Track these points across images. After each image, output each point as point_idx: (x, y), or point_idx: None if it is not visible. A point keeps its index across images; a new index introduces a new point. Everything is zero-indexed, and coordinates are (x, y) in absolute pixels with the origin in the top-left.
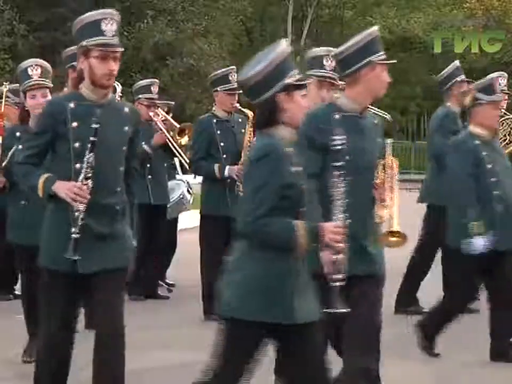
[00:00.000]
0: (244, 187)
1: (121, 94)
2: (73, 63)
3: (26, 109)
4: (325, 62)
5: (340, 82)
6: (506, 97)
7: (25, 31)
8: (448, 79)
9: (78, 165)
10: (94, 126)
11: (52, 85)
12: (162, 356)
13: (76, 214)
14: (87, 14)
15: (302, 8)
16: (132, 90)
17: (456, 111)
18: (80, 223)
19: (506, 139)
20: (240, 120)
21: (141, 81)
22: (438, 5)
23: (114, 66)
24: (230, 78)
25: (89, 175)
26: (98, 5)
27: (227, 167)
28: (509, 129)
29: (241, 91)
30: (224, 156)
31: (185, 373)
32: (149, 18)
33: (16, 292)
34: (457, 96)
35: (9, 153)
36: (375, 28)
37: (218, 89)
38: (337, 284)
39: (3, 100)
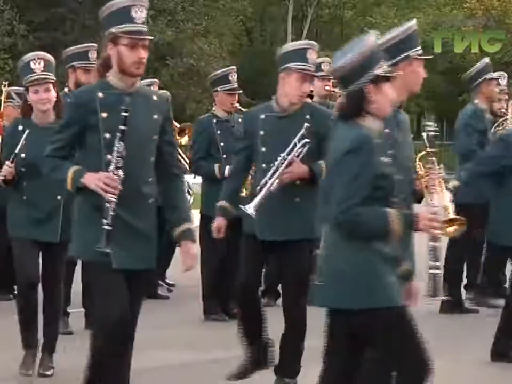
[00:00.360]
0: (333, 178)
1: None
2: (73, 63)
3: (28, 103)
4: (308, 55)
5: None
6: (506, 97)
7: (25, 31)
8: (477, 76)
9: (108, 156)
10: (123, 114)
11: (55, 79)
12: (162, 355)
13: (107, 205)
14: (116, 0)
15: (302, 8)
16: None
17: (484, 108)
18: (111, 214)
19: None
20: (240, 120)
21: (141, 81)
22: (438, 5)
23: (144, 54)
24: (230, 78)
25: (120, 165)
26: (98, 4)
27: (227, 167)
28: None
29: (241, 91)
30: (224, 155)
31: (185, 373)
32: (149, 18)
33: (16, 292)
34: (485, 93)
35: (17, 148)
36: (414, 21)
37: (218, 89)
38: (436, 271)
39: (2, 100)
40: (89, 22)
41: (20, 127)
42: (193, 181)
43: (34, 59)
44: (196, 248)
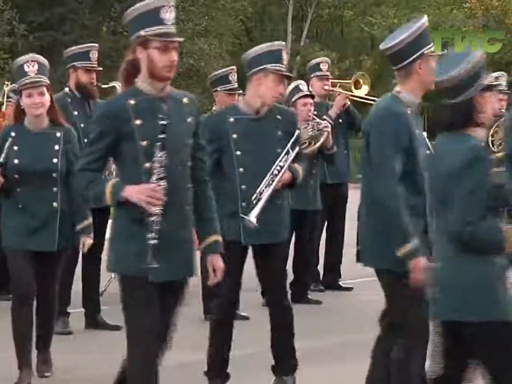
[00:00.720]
0: (448, 191)
1: None
2: (75, 63)
3: (22, 107)
4: (283, 56)
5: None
6: (506, 97)
7: (25, 31)
8: None
9: (147, 165)
10: (162, 122)
11: (49, 82)
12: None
13: (152, 218)
14: (142, 3)
15: (302, 8)
16: None
17: None
18: (157, 228)
19: None
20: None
21: None
22: (438, 5)
23: (175, 57)
24: (230, 78)
25: (162, 175)
26: (99, 4)
27: None
28: None
29: (241, 91)
30: None
31: (185, 373)
32: None
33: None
34: None
35: (3, 154)
36: (425, 18)
37: (218, 89)
38: None
39: (4, 100)
40: (89, 22)
41: (13, 134)
42: None
43: (28, 62)
44: (221, 262)
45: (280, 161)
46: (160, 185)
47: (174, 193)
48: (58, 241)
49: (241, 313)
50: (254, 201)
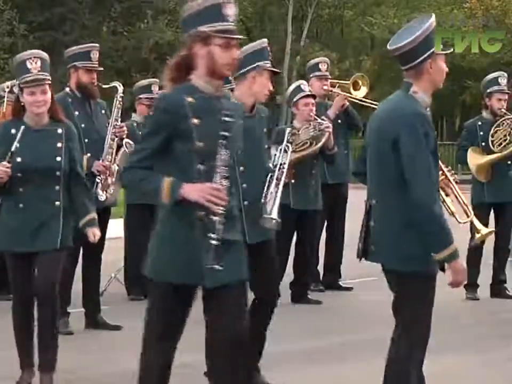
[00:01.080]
0: None
1: (122, 94)
2: (75, 63)
3: (21, 104)
4: (268, 54)
5: None
6: (506, 97)
7: (25, 31)
8: None
9: (201, 166)
10: (226, 119)
11: (51, 78)
12: None
13: (215, 218)
14: None
15: (302, 8)
16: (132, 90)
17: None
18: (220, 228)
19: (506, 139)
20: None
21: (141, 81)
22: (438, 5)
23: (236, 55)
24: (230, 77)
25: (226, 174)
26: (99, 4)
27: None
28: (509, 129)
29: None
30: None
31: (185, 373)
32: (149, 18)
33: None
34: None
35: (13, 147)
36: (433, 17)
37: None
38: None
39: (5, 100)
40: (89, 22)
41: (13, 131)
42: None
43: (30, 58)
44: None
45: (282, 159)
46: (223, 185)
47: (229, 196)
48: (61, 239)
49: None
50: (267, 201)
